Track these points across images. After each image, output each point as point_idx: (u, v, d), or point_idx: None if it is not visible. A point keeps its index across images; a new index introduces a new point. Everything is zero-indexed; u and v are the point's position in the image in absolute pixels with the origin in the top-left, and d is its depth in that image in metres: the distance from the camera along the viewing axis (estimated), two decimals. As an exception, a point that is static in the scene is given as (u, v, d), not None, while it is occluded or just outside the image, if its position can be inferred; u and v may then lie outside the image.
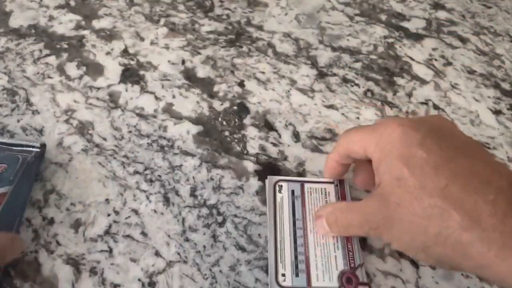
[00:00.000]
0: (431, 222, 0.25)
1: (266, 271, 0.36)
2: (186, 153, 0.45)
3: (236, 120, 0.48)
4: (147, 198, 0.41)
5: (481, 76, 0.55)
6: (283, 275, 0.35)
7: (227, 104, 0.49)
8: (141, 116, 0.48)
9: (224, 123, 0.47)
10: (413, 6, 0.64)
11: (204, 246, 0.38)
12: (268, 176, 0.41)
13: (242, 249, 0.38)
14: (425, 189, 0.26)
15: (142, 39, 0.56)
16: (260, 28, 0.58)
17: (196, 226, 0.39)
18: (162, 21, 0.59)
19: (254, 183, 0.42)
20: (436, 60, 0.56)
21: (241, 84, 0.51)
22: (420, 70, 0.55)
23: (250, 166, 0.44)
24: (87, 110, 0.48)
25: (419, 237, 0.26)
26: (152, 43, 0.56)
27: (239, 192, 0.42)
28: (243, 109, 0.49)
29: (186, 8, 0.61)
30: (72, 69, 0.52)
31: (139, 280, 0.36)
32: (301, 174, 0.43)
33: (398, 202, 0.27)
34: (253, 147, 0.45)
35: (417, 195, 0.26)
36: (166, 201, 0.41)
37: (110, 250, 0.38)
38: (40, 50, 0.54)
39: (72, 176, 0.42)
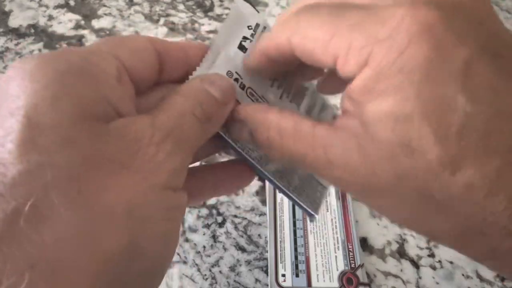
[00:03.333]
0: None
1: (266, 272, 0.36)
2: (186, 153, 0.44)
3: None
4: (147, 198, 0.41)
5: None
6: (283, 275, 0.34)
7: (227, 104, 0.49)
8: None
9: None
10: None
11: (204, 247, 0.38)
12: (268, 176, 0.41)
13: (242, 249, 0.38)
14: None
15: (141, 39, 0.56)
16: (260, 27, 0.58)
17: (196, 227, 0.39)
18: (162, 20, 0.58)
19: (254, 183, 0.42)
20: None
21: (241, 83, 0.51)
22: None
23: (250, 166, 0.44)
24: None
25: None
26: (151, 42, 0.55)
27: (239, 192, 0.42)
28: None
29: (186, 7, 0.61)
30: (71, 68, 0.52)
31: (138, 280, 0.36)
32: (301, 174, 0.43)
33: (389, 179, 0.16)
34: (253, 147, 0.45)
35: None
36: (166, 201, 0.41)
37: (110, 251, 0.37)
38: (40, 50, 0.54)
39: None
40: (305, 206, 0.23)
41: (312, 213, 0.24)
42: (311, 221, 0.37)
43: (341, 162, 0.16)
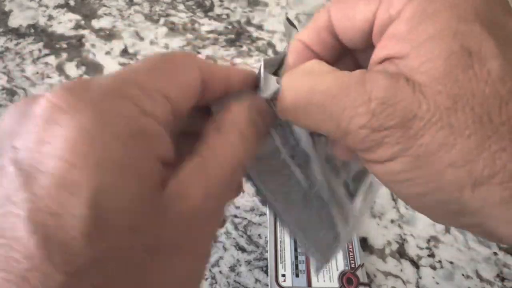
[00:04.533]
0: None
1: (266, 272, 0.36)
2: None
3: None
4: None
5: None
6: (283, 275, 0.34)
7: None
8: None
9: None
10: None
11: (204, 247, 0.38)
12: (268, 176, 0.41)
13: (242, 249, 0.38)
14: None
15: (141, 39, 0.56)
16: (260, 27, 0.58)
17: (196, 226, 0.39)
18: (162, 20, 0.58)
19: (254, 183, 0.42)
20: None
21: (241, 83, 0.51)
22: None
23: (250, 166, 0.44)
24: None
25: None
26: (151, 42, 0.55)
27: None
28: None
29: (186, 7, 0.61)
30: (71, 68, 0.52)
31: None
32: (301, 174, 0.43)
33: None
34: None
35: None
36: (166, 201, 0.41)
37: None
38: (40, 50, 0.54)
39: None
40: (313, 253, 0.22)
41: (320, 263, 0.23)
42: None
43: (383, 93, 0.14)
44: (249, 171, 0.19)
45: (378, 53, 0.15)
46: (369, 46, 0.16)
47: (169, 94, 0.15)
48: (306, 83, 0.16)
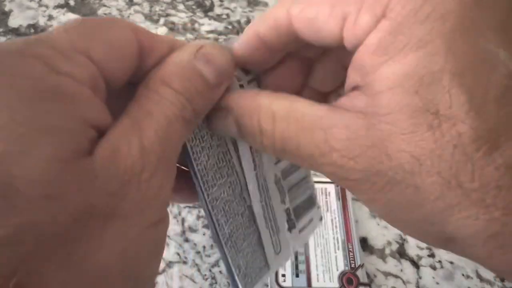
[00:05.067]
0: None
1: (266, 272, 0.36)
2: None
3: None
4: (147, 198, 0.41)
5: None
6: (283, 275, 0.34)
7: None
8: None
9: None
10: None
11: (204, 247, 0.38)
12: (268, 176, 0.41)
13: (242, 249, 0.38)
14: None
15: (141, 39, 0.56)
16: (260, 27, 0.58)
17: (196, 227, 0.39)
18: (162, 20, 0.58)
19: (254, 183, 0.42)
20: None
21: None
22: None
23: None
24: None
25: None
26: (151, 42, 0.55)
27: (239, 192, 0.42)
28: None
29: (186, 7, 0.61)
30: (71, 68, 0.52)
31: (138, 280, 0.36)
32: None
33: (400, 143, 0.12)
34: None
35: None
36: (166, 201, 0.41)
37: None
38: (40, 50, 0.54)
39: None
40: (234, 272, 0.20)
41: (239, 285, 0.20)
42: None
43: (344, 145, 0.13)
44: (194, 163, 0.17)
45: (349, 80, 0.14)
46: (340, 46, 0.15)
47: (92, 54, 0.13)
48: (279, 133, 0.15)
